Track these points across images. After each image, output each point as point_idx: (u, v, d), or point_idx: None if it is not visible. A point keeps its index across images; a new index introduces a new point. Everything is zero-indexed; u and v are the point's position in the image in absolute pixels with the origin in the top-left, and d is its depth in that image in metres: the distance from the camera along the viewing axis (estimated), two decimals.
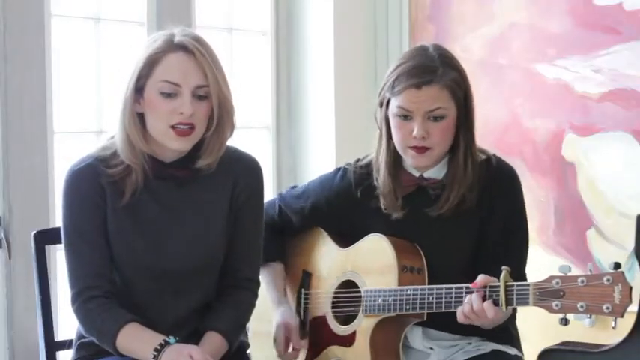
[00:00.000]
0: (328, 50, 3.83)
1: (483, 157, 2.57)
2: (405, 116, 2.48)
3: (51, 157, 3.05)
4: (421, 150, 2.48)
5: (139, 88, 2.31)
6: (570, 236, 3.58)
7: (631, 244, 3.08)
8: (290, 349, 2.61)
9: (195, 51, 2.31)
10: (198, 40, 2.34)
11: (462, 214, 2.50)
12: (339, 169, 2.70)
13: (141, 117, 2.34)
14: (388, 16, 3.96)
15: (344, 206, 2.64)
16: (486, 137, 3.68)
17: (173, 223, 2.39)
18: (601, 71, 3.50)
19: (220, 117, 2.36)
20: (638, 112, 3.44)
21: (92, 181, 2.35)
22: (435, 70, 2.47)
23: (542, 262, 3.27)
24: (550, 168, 3.62)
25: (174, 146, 2.33)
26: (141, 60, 2.31)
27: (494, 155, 2.59)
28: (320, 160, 3.83)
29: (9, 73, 2.93)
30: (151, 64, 2.30)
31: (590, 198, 3.54)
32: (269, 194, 3.19)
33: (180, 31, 2.34)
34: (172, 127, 2.30)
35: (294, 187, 2.81)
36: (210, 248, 2.41)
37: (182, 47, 2.30)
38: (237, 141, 3.67)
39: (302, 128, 3.90)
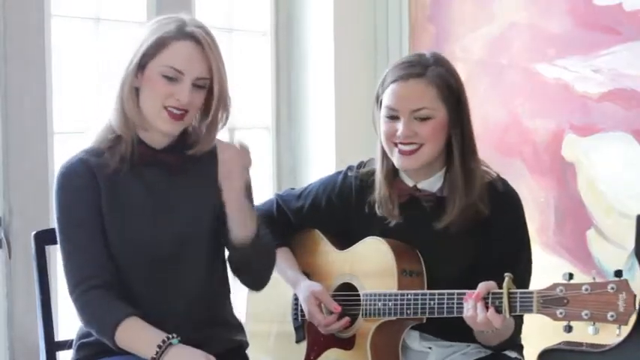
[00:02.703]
0: (328, 50, 3.83)
1: (488, 178, 2.51)
2: (392, 116, 2.46)
3: (51, 157, 3.04)
4: (407, 152, 2.46)
5: (141, 65, 2.34)
6: (570, 236, 3.58)
7: (631, 244, 3.08)
8: (330, 317, 2.55)
9: (205, 43, 2.35)
10: (207, 32, 2.38)
11: (462, 226, 2.47)
12: (340, 172, 2.69)
13: (136, 92, 2.37)
14: (388, 16, 3.96)
15: (343, 209, 2.63)
16: (486, 137, 3.69)
17: (164, 209, 2.39)
18: (601, 71, 3.50)
19: (217, 109, 2.40)
20: (638, 112, 3.44)
21: (85, 173, 2.36)
22: (426, 66, 2.46)
23: (542, 263, 3.27)
24: (550, 168, 3.62)
25: (164, 128, 2.36)
26: (149, 39, 2.34)
27: (498, 177, 2.54)
28: (320, 160, 3.83)
29: (9, 73, 2.93)
30: (158, 46, 2.33)
31: (590, 198, 3.54)
32: (268, 194, 3.19)
33: (190, 20, 2.38)
34: (165, 107, 2.34)
35: (292, 189, 2.81)
36: (200, 233, 2.42)
37: (192, 37, 2.34)
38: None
39: (302, 128, 3.90)
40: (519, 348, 2.59)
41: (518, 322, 2.44)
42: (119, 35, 3.30)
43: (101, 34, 3.25)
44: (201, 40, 2.34)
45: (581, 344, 2.96)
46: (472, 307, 2.30)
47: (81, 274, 2.33)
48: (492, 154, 3.65)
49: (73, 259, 2.35)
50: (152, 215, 2.38)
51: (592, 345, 2.94)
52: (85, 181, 2.36)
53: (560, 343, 3.00)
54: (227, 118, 2.43)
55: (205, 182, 2.43)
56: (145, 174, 2.40)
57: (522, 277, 2.45)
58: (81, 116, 3.22)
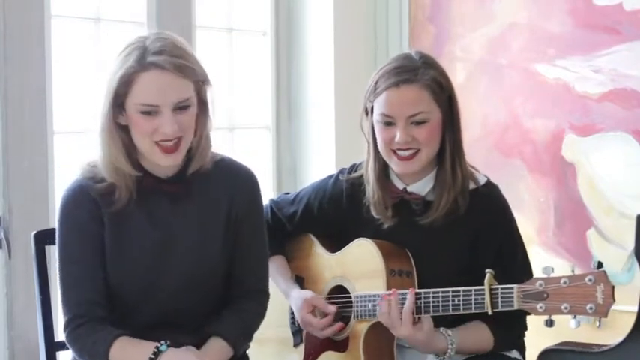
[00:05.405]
0: (328, 50, 3.83)
1: (474, 185, 2.52)
2: (388, 123, 2.46)
3: (51, 157, 3.04)
4: (407, 158, 2.46)
5: (119, 104, 2.23)
6: (570, 236, 3.58)
7: (631, 244, 3.08)
8: (324, 320, 2.55)
9: (170, 67, 2.20)
10: (171, 51, 2.22)
11: (453, 223, 2.48)
12: (331, 176, 2.69)
13: (127, 129, 2.28)
14: (388, 16, 3.96)
15: (335, 214, 2.64)
16: (486, 137, 3.69)
17: (170, 241, 2.33)
18: (601, 71, 3.50)
19: (200, 121, 2.31)
20: (638, 112, 3.44)
21: (87, 204, 2.30)
22: (416, 69, 2.45)
23: (542, 263, 3.27)
24: (550, 168, 3.62)
25: (162, 163, 2.28)
26: (115, 79, 2.21)
27: (485, 184, 2.54)
28: (320, 160, 3.83)
29: (9, 73, 2.93)
30: (126, 83, 2.20)
31: (590, 198, 3.54)
32: (268, 194, 3.19)
33: (152, 42, 2.23)
34: (156, 143, 2.24)
35: (287, 193, 2.81)
36: (208, 264, 2.36)
37: (155, 65, 2.19)
38: (237, 141, 3.70)
39: (302, 128, 3.90)
40: (521, 348, 2.59)
41: (514, 320, 2.44)
42: (119, 35, 3.30)
43: (101, 34, 3.25)
44: (166, 67, 2.19)
45: (581, 344, 2.96)
46: (385, 307, 2.36)
47: (72, 312, 2.31)
48: (492, 154, 3.66)
49: (65, 294, 2.33)
50: (156, 249, 2.32)
51: (592, 345, 2.94)
52: (87, 213, 2.30)
53: (560, 343, 2.99)
54: (211, 125, 2.35)
55: (211, 208, 2.37)
56: (149, 204, 2.33)
57: (519, 277, 2.44)
58: (81, 116, 3.22)
